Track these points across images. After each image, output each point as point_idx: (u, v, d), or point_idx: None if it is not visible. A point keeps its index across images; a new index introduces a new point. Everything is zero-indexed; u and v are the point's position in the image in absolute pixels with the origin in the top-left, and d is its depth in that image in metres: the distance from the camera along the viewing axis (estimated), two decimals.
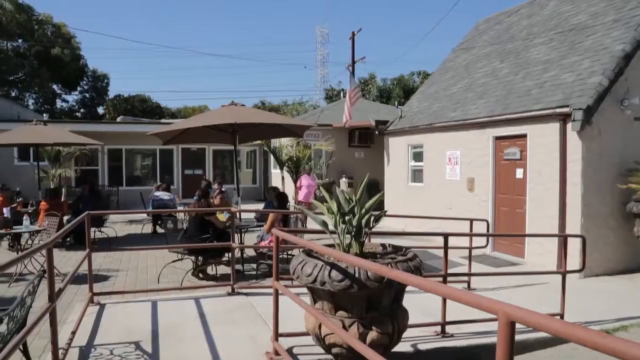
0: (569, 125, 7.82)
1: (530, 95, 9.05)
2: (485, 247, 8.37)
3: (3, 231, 8.37)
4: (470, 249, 7.21)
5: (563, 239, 6.29)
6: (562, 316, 5.33)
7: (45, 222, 8.77)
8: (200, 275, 7.47)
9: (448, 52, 14.89)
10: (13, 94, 36.43)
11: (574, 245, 6.96)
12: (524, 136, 8.91)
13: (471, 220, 8.00)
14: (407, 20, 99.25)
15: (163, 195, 12.02)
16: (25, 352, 3.75)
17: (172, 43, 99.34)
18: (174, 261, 7.78)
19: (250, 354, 4.12)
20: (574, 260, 6.92)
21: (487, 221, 8.45)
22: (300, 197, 13.05)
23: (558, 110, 7.99)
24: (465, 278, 6.81)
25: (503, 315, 1.52)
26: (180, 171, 20.45)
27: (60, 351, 3.70)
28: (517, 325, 1.53)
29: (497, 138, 9.66)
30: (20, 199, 11.56)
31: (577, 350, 4.35)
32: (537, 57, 10.00)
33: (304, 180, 13.23)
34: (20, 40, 35.74)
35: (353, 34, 24.35)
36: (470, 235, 7.26)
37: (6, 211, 8.73)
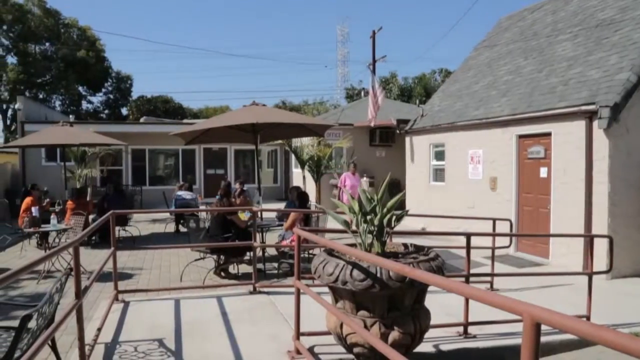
0: (595, 123, 7.64)
1: (554, 92, 8.88)
2: (508, 247, 8.25)
3: (32, 230, 8.60)
4: (493, 249, 7.11)
5: (589, 239, 6.15)
6: (588, 318, 5.22)
7: (71, 220, 8.97)
8: (222, 274, 7.54)
9: (470, 50, 14.71)
10: (41, 96, 37.35)
11: (601, 246, 6.81)
12: (548, 134, 8.75)
13: (494, 220, 7.89)
14: (428, 19, 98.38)
15: (185, 194, 12.17)
16: (54, 347, 3.84)
17: (193, 44, 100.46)
18: (196, 260, 7.87)
19: (272, 353, 4.14)
20: (600, 261, 6.76)
21: (510, 221, 8.32)
22: (345, 199, 11.00)
23: (584, 107, 7.82)
24: (488, 278, 6.72)
25: (528, 317, 1.50)
26: (202, 171, 20.68)
27: (87, 347, 3.77)
28: (542, 327, 1.51)
29: (521, 136, 9.51)
30: (48, 199, 11.83)
31: (604, 354, 4.26)
32: (562, 53, 9.81)
33: (348, 179, 12.24)
34: (47, 44, 36.61)
35: (373, 32, 24.24)
36: (493, 235, 7.16)
37: (35, 210, 8.95)
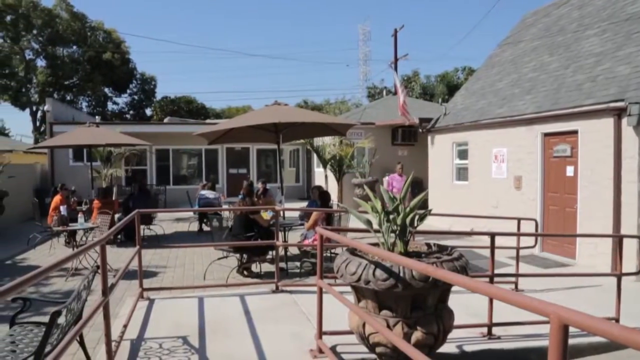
0: (624, 121, 7.45)
1: (581, 89, 8.69)
2: (533, 247, 8.11)
3: (61, 228, 8.81)
4: (518, 249, 7.00)
5: (618, 240, 6.00)
6: (617, 320, 5.10)
7: (98, 219, 9.16)
8: (245, 272, 7.60)
9: (493, 48, 14.50)
10: (68, 98, 38.23)
11: (630, 247, 6.64)
12: (574, 132, 8.56)
13: (519, 220, 7.76)
14: (451, 16, 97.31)
15: (209, 194, 12.30)
16: (82, 343, 3.93)
17: (215, 45, 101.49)
18: (219, 258, 7.95)
19: (294, 351, 4.16)
20: (629, 262, 6.60)
21: (535, 220, 8.18)
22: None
23: (612, 104, 7.63)
24: (513, 279, 6.62)
25: (556, 318, 1.47)
26: (225, 170, 20.88)
27: (113, 343, 3.85)
28: (569, 329, 1.48)
29: (546, 134, 9.33)
30: (75, 198, 12.11)
31: (633, 358, 4.15)
32: (589, 49, 9.59)
33: (395, 182, 11.51)
34: (74, 47, 37.44)
35: (395, 31, 24.11)
36: (518, 234, 7.05)
37: (63, 209, 9.17)
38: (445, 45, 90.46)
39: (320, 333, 4.02)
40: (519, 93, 10.72)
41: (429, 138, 13.97)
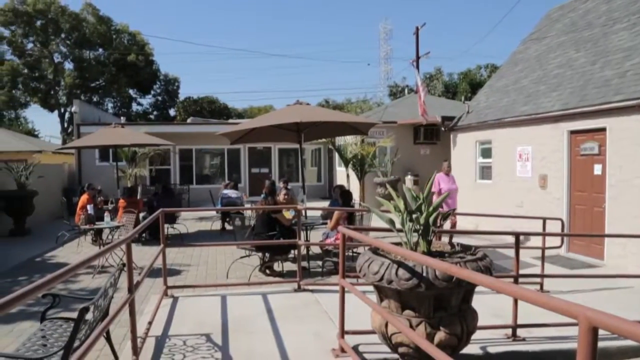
0: None
1: (609, 85, 8.48)
2: (559, 247, 7.95)
3: (88, 227, 9.01)
4: (544, 249, 6.86)
5: None
6: None
7: (123, 218, 9.33)
8: (267, 271, 7.65)
9: (517, 44, 14.26)
10: (95, 100, 39.04)
11: None
12: (602, 130, 8.36)
13: (544, 219, 7.62)
14: (474, 13, 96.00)
15: (231, 193, 12.41)
16: (108, 338, 4.01)
17: (237, 45, 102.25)
18: (242, 257, 8.02)
19: (317, 350, 4.17)
20: None
21: (561, 220, 8.01)
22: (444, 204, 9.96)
23: None
24: (538, 279, 6.50)
25: (584, 320, 1.44)
26: (247, 170, 21.04)
27: (139, 340, 3.92)
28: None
29: (573, 132, 9.14)
30: (101, 197, 12.36)
31: None
32: (618, 44, 9.34)
33: (442, 182, 9.99)
34: (100, 50, 38.22)
35: (417, 28, 23.91)
36: (544, 234, 6.92)
37: (90, 208, 9.37)
38: (468, 42, 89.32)
39: (343, 332, 4.02)
40: (544, 90, 10.52)
41: (452, 136, 13.82)
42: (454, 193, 9.93)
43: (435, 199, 9.53)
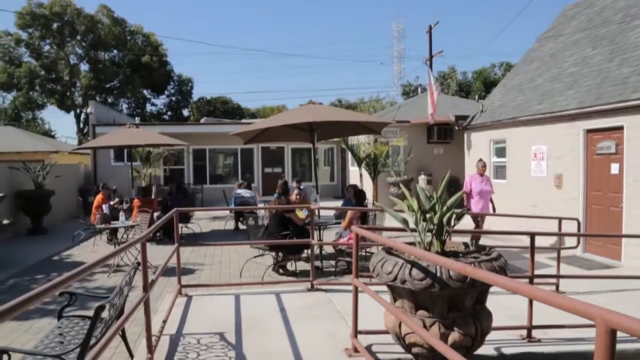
0: None
1: (627, 83, 8.35)
2: (575, 247, 7.85)
3: (103, 226, 9.12)
4: (559, 249, 6.78)
5: None
6: None
7: (138, 218, 9.43)
8: (281, 270, 7.67)
9: (532, 42, 14.10)
10: (109, 100, 39.48)
11: None
12: (620, 128, 8.23)
13: (560, 219, 7.52)
14: (487, 10, 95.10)
15: (244, 192, 12.46)
16: (124, 337, 4.06)
17: (249, 45, 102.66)
18: (255, 257, 8.05)
19: (329, 350, 4.16)
20: None
21: (577, 220, 7.91)
22: (475, 206, 8.82)
23: None
24: (553, 280, 6.42)
25: (602, 322, 1.42)
26: (261, 169, 21.11)
27: (153, 338, 3.95)
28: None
29: (589, 131, 9.01)
30: (117, 198, 12.50)
31: None
32: (636, 40, 9.19)
33: (474, 182, 9.04)
34: (115, 51, 38.65)
35: (430, 27, 23.77)
36: (560, 234, 6.83)
37: (106, 208, 9.48)
38: (482, 40, 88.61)
39: (356, 332, 4.01)
40: (559, 88, 10.39)
41: (465, 136, 13.72)
42: (487, 195, 8.98)
43: (472, 202, 8.97)
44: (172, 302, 5.20)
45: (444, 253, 3.33)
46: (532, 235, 4.75)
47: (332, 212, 9.92)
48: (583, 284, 6.62)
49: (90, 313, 3.19)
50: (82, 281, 7.22)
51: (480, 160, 9.60)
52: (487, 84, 36.26)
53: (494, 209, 9.10)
